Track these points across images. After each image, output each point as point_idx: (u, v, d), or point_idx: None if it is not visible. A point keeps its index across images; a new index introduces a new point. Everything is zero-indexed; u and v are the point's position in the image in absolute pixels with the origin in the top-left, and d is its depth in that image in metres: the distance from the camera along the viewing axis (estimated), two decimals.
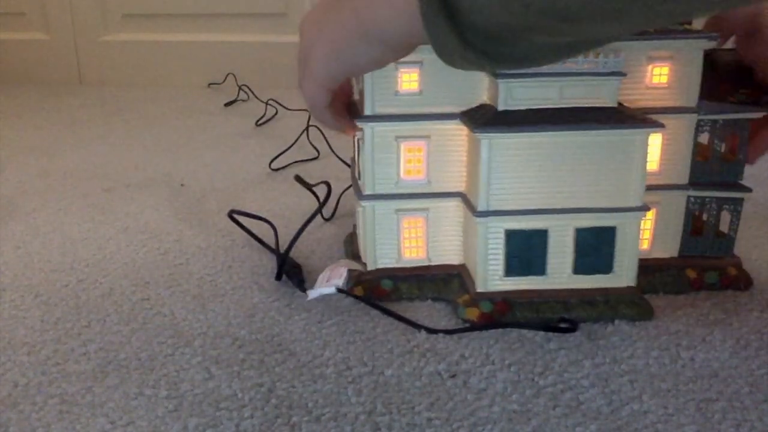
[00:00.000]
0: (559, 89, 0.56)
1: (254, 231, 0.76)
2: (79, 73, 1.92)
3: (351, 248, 0.70)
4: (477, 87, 0.59)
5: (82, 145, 1.24)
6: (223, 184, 0.99)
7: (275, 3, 1.74)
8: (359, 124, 0.59)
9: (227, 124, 1.38)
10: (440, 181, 0.61)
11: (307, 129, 1.15)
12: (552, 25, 0.33)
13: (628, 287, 0.60)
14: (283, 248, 0.69)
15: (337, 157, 1.05)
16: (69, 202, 0.92)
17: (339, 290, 0.61)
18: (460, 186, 0.61)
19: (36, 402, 0.49)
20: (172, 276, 0.69)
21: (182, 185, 0.98)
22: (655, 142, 0.61)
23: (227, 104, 1.55)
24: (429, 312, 0.61)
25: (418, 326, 0.58)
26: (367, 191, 0.61)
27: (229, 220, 0.76)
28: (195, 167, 1.07)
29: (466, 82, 0.59)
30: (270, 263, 0.71)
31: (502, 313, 0.58)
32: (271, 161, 1.05)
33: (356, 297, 0.62)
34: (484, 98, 0.59)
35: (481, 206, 0.57)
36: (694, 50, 0.59)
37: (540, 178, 0.57)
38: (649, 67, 0.60)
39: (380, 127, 0.59)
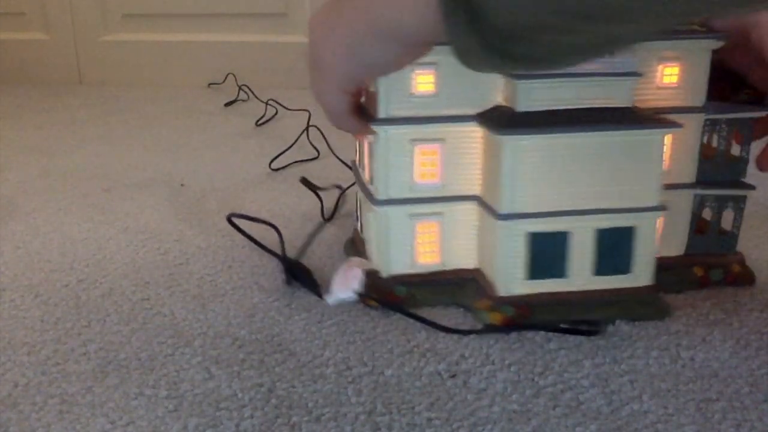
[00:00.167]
0: (577, 90, 0.56)
1: (255, 232, 0.75)
2: (79, 73, 1.92)
3: (352, 254, 0.70)
4: (491, 88, 0.58)
5: (82, 145, 1.24)
6: (223, 184, 0.99)
7: (275, 3, 1.74)
8: (373, 128, 0.58)
9: (227, 124, 1.38)
10: (454, 184, 0.60)
11: (307, 129, 1.15)
12: (576, 24, 0.33)
13: (645, 287, 0.60)
14: (288, 252, 0.69)
15: (337, 157, 1.05)
16: (69, 202, 0.92)
17: (359, 294, 0.60)
18: (474, 189, 0.60)
19: (36, 402, 0.49)
20: (172, 276, 0.69)
21: (182, 185, 0.98)
22: (665, 141, 0.61)
23: (227, 104, 1.55)
24: (445, 317, 0.60)
25: (447, 330, 0.57)
26: (380, 196, 0.60)
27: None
28: (195, 167, 1.07)
29: (479, 83, 0.58)
30: (270, 264, 0.71)
31: (524, 317, 0.58)
32: (271, 161, 1.05)
33: (377, 303, 0.60)
34: (498, 99, 0.58)
35: (503, 209, 0.56)
36: (702, 50, 0.59)
37: (561, 180, 0.56)
38: (660, 67, 0.60)
39: (395, 130, 0.58)
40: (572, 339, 0.56)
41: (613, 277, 0.59)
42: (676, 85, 0.61)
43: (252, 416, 0.47)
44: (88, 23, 1.87)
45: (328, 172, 0.99)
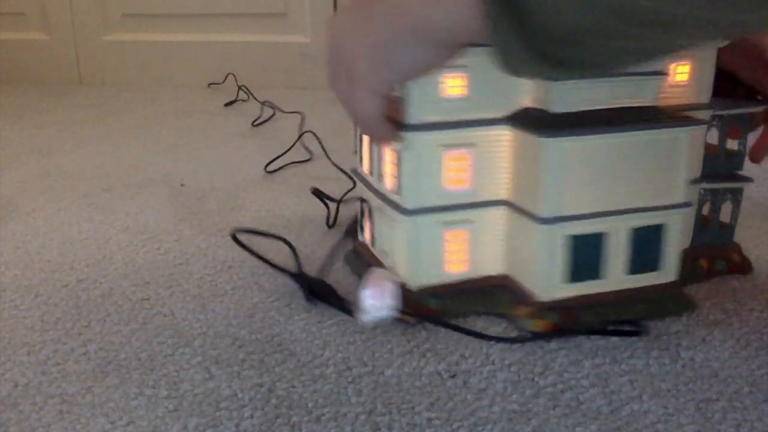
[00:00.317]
0: (609, 90, 0.55)
1: (261, 239, 0.75)
2: (79, 73, 1.92)
3: (356, 266, 0.67)
4: (519, 90, 0.57)
5: (82, 145, 1.24)
6: (223, 184, 0.99)
7: (275, 3, 1.74)
8: (402, 134, 0.55)
9: (227, 124, 1.38)
10: (483, 189, 0.58)
11: (300, 133, 1.14)
12: (629, 29, 0.32)
13: (671, 282, 0.60)
14: (303, 267, 0.66)
15: (330, 160, 1.04)
16: (69, 202, 0.92)
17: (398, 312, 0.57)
18: (502, 193, 0.59)
19: (36, 402, 0.49)
20: (172, 276, 0.69)
21: (182, 185, 0.98)
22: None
23: (227, 104, 1.55)
24: (477, 326, 0.58)
25: (498, 339, 0.56)
26: (409, 205, 0.57)
27: (229, 220, 0.76)
28: (195, 167, 1.08)
29: (507, 85, 0.56)
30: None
31: (568, 322, 0.57)
32: (267, 165, 1.04)
33: (413, 318, 0.58)
34: (525, 102, 0.57)
35: (545, 213, 0.55)
36: (710, 48, 0.60)
37: (599, 180, 0.56)
38: (673, 66, 0.60)
39: (425, 136, 0.56)
40: (572, 339, 0.56)
41: (644, 275, 0.59)
42: (686, 83, 0.61)
43: (252, 416, 0.47)
44: (88, 23, 1.87)
45: (322, 174, 0.99)
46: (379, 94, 0.47)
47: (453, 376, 0.52)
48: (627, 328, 0.57)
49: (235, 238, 0.69)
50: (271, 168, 1.04)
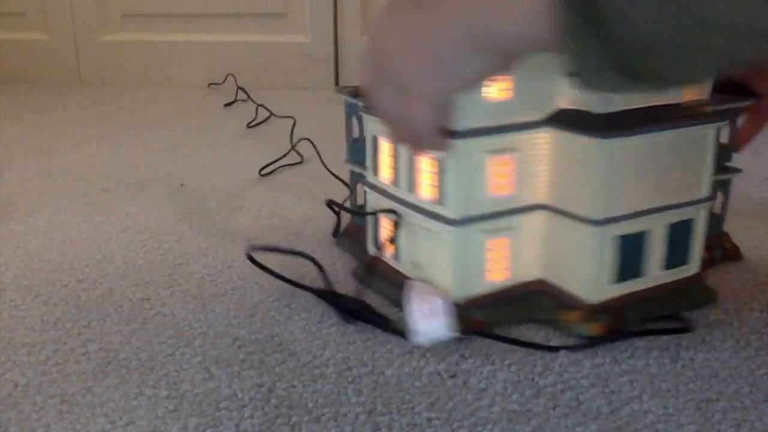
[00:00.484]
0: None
1: (256, 230, 0.75)
2: (79, 73, 1.92)
3: (376, 282, 0.64)
4: (554, 92, 0.56)
5: (82, 145, 1.24)
6: (223, 184, 0.99)
7: (275, 3, 1.74)
8: (449, 142, 0.52)
9: (227, 124, 1.38)
10: (524, 194, 0.57)
11: (296, 143, 1.13)
12: (719, 41, 0.30)
13: (695, 275, 0.61)
14: (333, 285, 0.64)
15: (325, 167, 1.01)
16: (69, 202, 0.92)
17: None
18: (539, 197, 0.58)
19: (36, 402, 0.49)
20: (172, 276, 0.69)
21: (182, 185, 0.98)
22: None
23: (227, 105, 1.55)
24: (522, 334, 0.58)
25: (553, 348, 0.55)
26: (454, 215, 0.55)
27: (229, 220, 0.75)
28: (195, 167, 1.07)
29: (545, 87, 0.56)
30: (271, 264, 0.71)
31: (619, 323, 0.57)
32: (261, 169, 1.03)
33: (465, 335, 0.55)
34: (561, 103, 0.56)
35: (594, 215, 0.54)
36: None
37: (641, 179, 0.56)
38: None
39: (471, 142, 0.54)
40: (572, 339, 0.56)
41: (677, 269, 0.60)
42: None
43: (252, 416, 0.47)
44: (88, 23, 1.87)
45: (322, 174, 0.99)
46: (437, 106, 0.44)
47: (453, 376, 0.52)
48: (673, 325, 0.57)
49: (251, 258, 0.65)
50: (265, 171, 1.03)
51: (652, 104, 0.56)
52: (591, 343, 0.55)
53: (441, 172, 0.55)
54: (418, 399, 0.49)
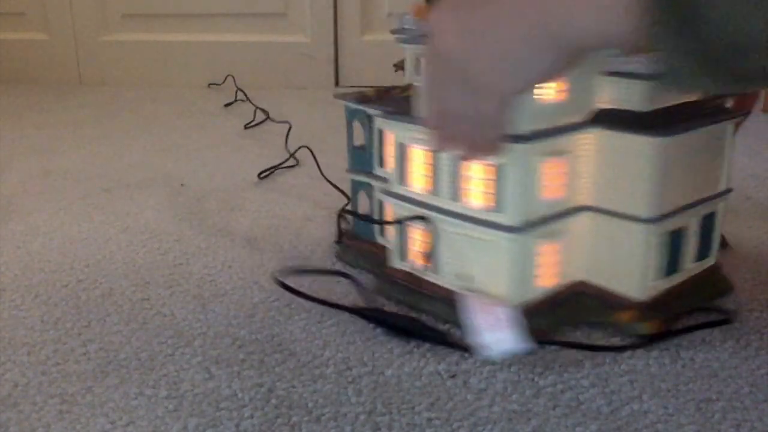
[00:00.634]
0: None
1: (256, 230, 0.75)
2: (79, 73, 1.92)
3: (394, 296, 0.62)
4: (595, 91, 0.55)
5: (82, 145, 1.24)
6: (223, 184, 0.99)
7: (275, 3, 1.74)
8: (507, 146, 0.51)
9: (227, 124, 1.37)
10: (572, 197, 0.56)
11: (295, 150, 1.12)
12: None
13: (714, 265, 0.62)
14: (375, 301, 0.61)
15: (325, 178, 0.96)
16: (69, 202, 0.92)
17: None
18: (584, 199, 0.57)
19: (36, 402, 0.49)
20: (172, 276, 0.69)
21: (182, 185, 0.98)
22: None
23: (227, 105, 1.55)
24: (576, 336, 0.57)
25: (617, 349, 0.54)
26: (511, 222, 0.54)
27: (229, 220, 0.75)
28: (195, 167, 1.07)
29: (586, 87, 0.55)
30: (270, 263, 0.71)
31: (671, 318, 0.57)
32: (260, 173, 1.02)
33: (537, 341, 0.54)
34: (601, 102, 0.55)
35: (646, 213, 0.54)
36: None
37: (683, 175, 0.56)
38: None
39: (529, 146, 0.52)
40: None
41: (703, 261, 0.61)
42: None
43: (252, 416, 0.47)
44: (88, 23, 1.87)
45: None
46: (509, 104, 0.42)
47: (453, 376, 0.52)
48: (715, 317, 0.58)
49: (281, 284, 0.64)
50: (261, 173, 1.02)
51: (680, 102, 0.57)
52: (649, 340, 0.55)
53: (499, 179, 0.53)
54: (418, 399, 0.49)
